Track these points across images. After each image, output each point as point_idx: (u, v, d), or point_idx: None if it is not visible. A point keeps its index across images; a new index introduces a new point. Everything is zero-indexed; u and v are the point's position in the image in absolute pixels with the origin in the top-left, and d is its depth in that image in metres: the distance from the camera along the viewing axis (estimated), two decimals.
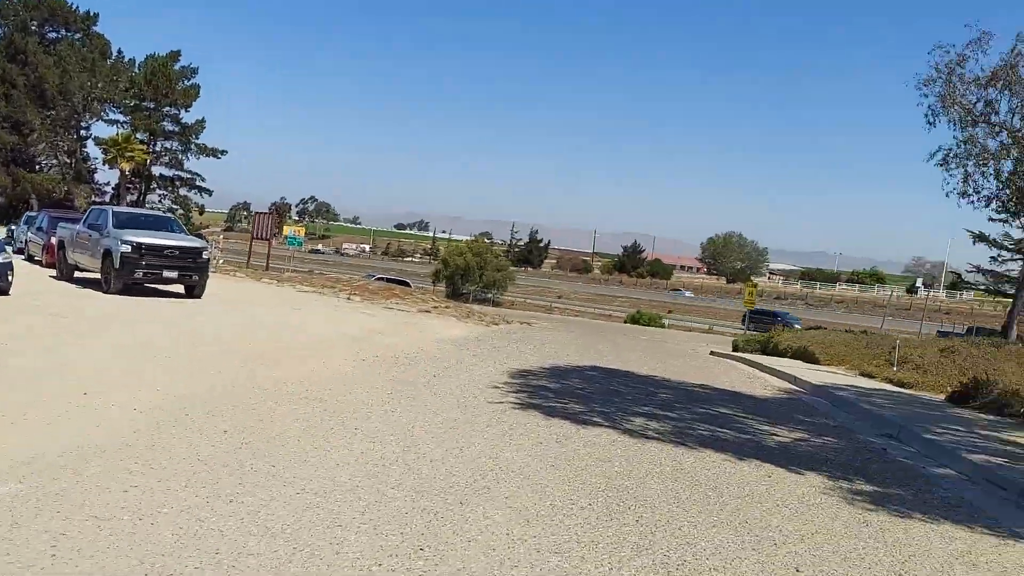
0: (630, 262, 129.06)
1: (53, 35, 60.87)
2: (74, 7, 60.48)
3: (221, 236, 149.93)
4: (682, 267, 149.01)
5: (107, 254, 19.02)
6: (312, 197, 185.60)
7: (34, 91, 55.42)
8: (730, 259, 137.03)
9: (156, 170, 59.63)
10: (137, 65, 58.56)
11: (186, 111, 58.64)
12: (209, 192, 61.29)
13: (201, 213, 62.47)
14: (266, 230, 35.15)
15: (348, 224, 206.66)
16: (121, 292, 18.57)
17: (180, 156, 59.73)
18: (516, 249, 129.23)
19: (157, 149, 58.95)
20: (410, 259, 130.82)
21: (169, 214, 22.50)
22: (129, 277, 18.70)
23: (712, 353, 24.17)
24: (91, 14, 61.12)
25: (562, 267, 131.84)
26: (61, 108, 55.29)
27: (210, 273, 32.53)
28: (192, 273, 19.53)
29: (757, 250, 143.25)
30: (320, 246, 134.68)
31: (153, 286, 19.67)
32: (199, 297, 19.98)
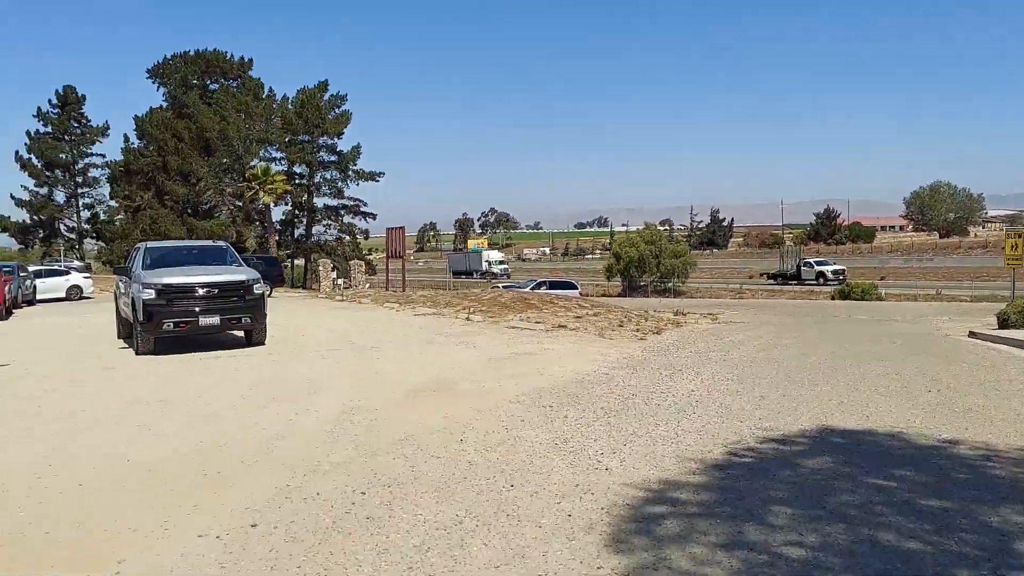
0: (825, 229, 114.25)
1: (214, 86, 60.34)
2: (228, 56, 59.63)
3: (412, 255, 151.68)
4: (884, 227, 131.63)
5: (135, 304, 14.22)
6: (492, 209, 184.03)
7: (198, 141, 54.70)
8: (940, 211, 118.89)
9: (319, 201, 57.24)
10: (289, 101, 56.50)
11: (338, 139, 55.74)
12: (373, 216, 58.22)
13: (366, 238, 59.53)
14: (399, 247, 30.10)
15: (529, 230, 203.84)
16: (153, 352, 13.63)
17: (339, 184, 56.97)
18: (697, 232, 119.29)
19: (316, 180, 56.53)
20: (590, 256, 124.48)
21: (221, 243, 17.38)
22: (157, 330, 13.68)
23: (972, 335, 16.01)
24: (244, 60, 60.15)
25: (750, 244, 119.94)
26: (223, 154, 54.04)
27: (340, 299, 28.03)
28: (240, 315, 14.26)
29: (971, 198, 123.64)
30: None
31: (197, 335, 14.57)
32: (260, 343, 14.74)
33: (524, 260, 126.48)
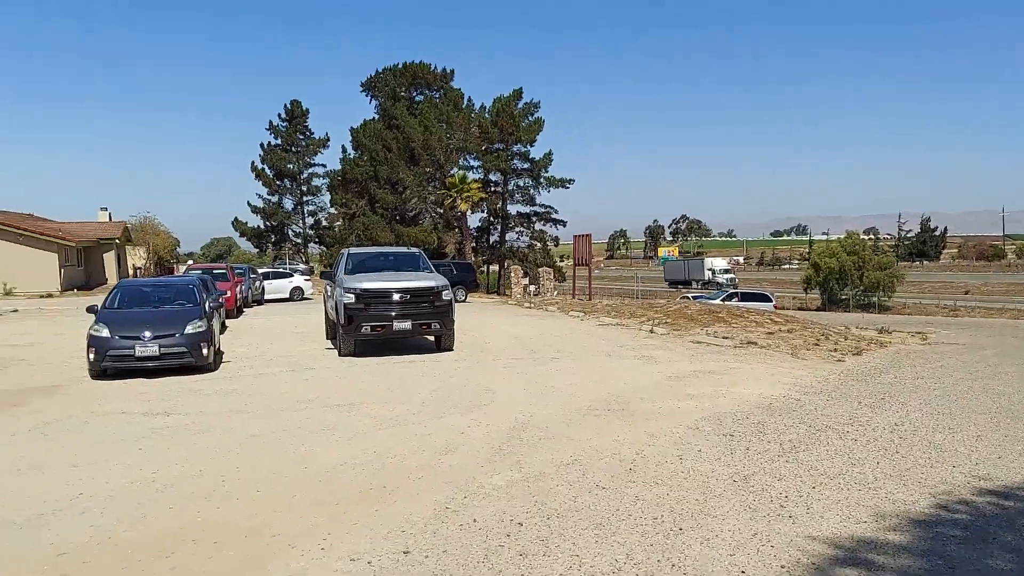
0: None
1: (419, 97, 63.39)
2: (432, 67, 62.44)
3: (602, 262, 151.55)
4: None
5: (337, 307, 15.00)
6: (683, 215, 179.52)
7: (404, 151, 57.63)
8: None
9: (512, 208, 58.42)
10: (486, 110, 58.17)
11: (531, 146, 56.62)
12: (563, 223, 58.56)
13: (556, 245, 59.90)
14: (585, 255, 29.83)
15: (722, 238, 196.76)
16: (353, 354, 14.30)
17: (532, 191, 57.82)
18: (906, 242, 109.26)
19: (510, 188, 57.72)
20: (787, 266, 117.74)
21: (414, 249, 17.91)
22: (356, 333, 14.33)
23: None
24: (447, 71, 62.73)
25: (965, 256, 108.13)
26: (426, 163, 56.53)
27: (529, 305, 28.27)
28: (430, 320, 14.60)
29: None
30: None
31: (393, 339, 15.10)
32: (449, 348, 15.03)
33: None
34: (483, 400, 9.72)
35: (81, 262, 41.24)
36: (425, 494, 5.68)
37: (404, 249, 18.71)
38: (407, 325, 14.38)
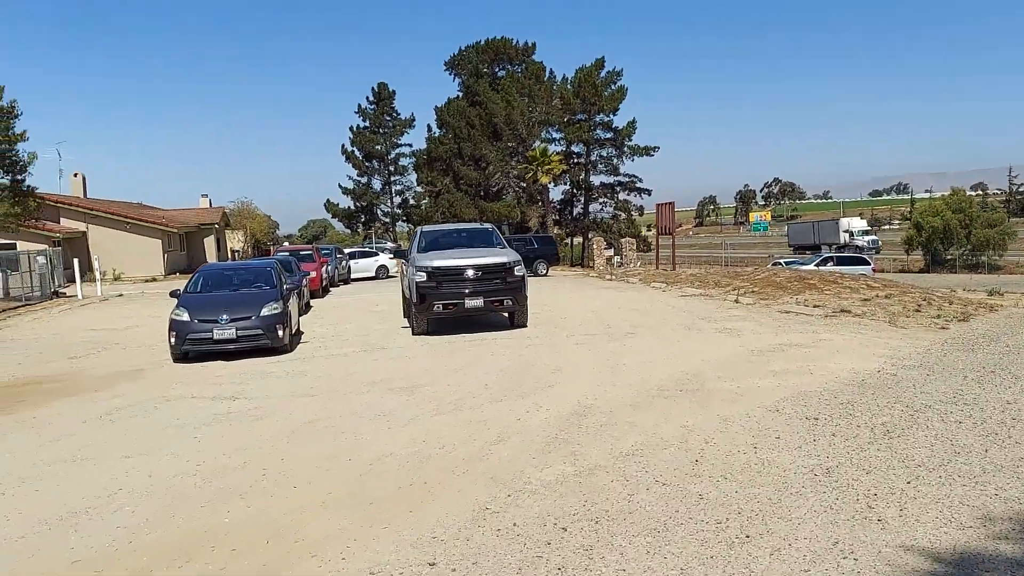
0: None
1: (501, 73, 62.71)
2: (514, 42, 61.59)
3: (691, 230, 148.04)
4: None
5: (410, 286, 14.71)
6: (776, 179, 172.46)
7: (487, 127, 57.21)
8: None
9: (595, 179, 57.27)
10: (568, 81, 56.99)
11: (614, 115, 55.17)
12: (648, 192, 57.01)
13: (640, 214, 58.37)
14: (668, 223, 28.64)
15: (817, 200, 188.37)
16: (426, 332, 14.00)
17: (615, 161, 56.47)
18: (1018, 197, 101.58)
19: (593, 159, 56.53)
20: (886, 227, 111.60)
21: (487, 225, 17.41)
22: (428, 312, 14.01)
23: None
24: (528, 45, 61.76)
25: None
26: (509, 138, 55.94)
27: (610, 277, 27.47)
28: (503, 297, 14.12)
29: None
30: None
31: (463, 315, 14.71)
32: (523, 325, 14.53)
33: None
34: (548, 381, 9.16)
35: (183, 247, 42.87)
36: (467, 492, 5.18)
37: (477, 225, 18.25)
38: (479, 302, 13.95)
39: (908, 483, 5.20)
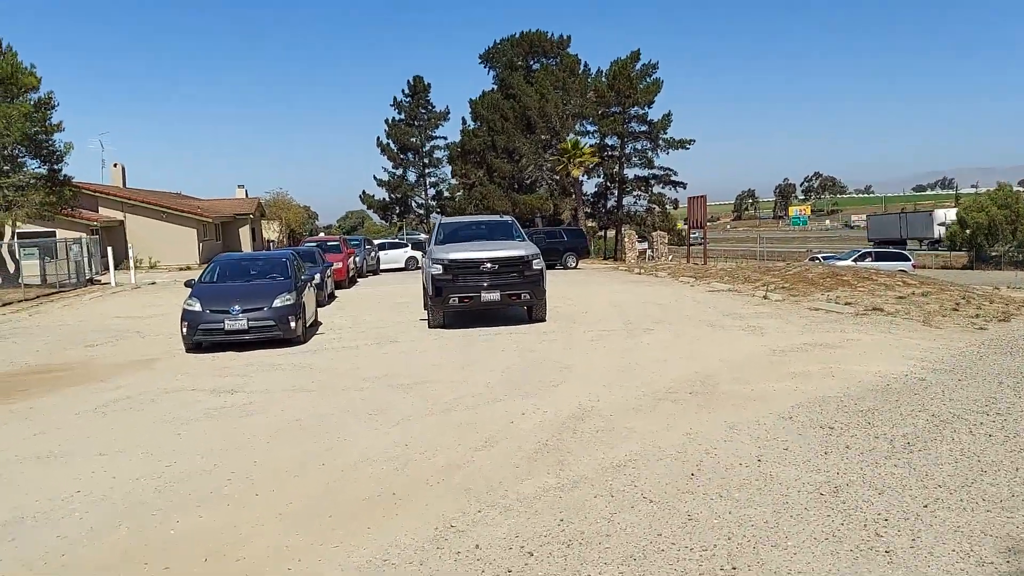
0: None
1: (536, 66, 62.04)
2: (549, 35, 60.85)
3: (728, 224, 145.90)
4: None
5: (426, 279, 14.34)
6: (816, 173, 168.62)
7: (521, 120, 56.63)
8: None
9: (629, 172, 56.36)
10: (603, 74, 56.10)
11: (649, 108, 54.14)
12: (683, 185, 55.95)
13: (675, 208, 57.29)
14: (700, 217, 27.82)
15: (859, 195, 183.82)
16: (442, 326, 13.63)
17: (649, 154, 55.49)
18: None
19: (627, 151, 55.60)
20: None
21: (507, 217, 16.92)
22: (444, 305, 13.63)
23: None
24: (563, 38, 60.92)
25: None
26: (543, 130, 55.31)
27: (639, 271, 26.81)
28: (520, 291, 13.66)
29: None
30: (827, 221, 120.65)
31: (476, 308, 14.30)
32: (541, 319, 14.06)
33: (852, 228, 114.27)
34: (554, 380, 8.68)
35: (219, 236, 43.15)
36: (434, 506, 4.73)
37: (497, 217, 17.79)
38: (495, 296, 13.52)
39: (924, 507, 4.62)
